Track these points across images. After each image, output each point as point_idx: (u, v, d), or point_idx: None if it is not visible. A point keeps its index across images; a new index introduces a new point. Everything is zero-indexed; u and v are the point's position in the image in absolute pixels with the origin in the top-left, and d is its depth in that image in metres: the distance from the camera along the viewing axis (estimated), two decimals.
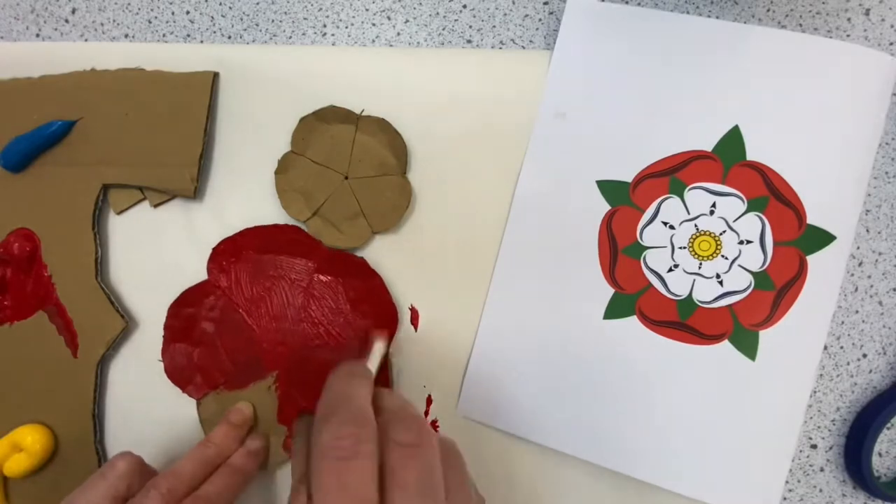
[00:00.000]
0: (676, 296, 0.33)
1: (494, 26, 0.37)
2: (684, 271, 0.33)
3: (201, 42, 0.38)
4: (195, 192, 0.36)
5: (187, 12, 0.39)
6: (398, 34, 0.37)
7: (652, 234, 0.33)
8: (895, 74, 0.32)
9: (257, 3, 0.38)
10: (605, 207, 0.34)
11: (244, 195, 0.36)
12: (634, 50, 0.34)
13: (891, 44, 0.34)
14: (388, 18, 0.37)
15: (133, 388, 0.36)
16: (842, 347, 0.34)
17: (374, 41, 0.37)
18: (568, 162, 0.34)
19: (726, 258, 0.33)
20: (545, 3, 0.36)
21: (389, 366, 0.35)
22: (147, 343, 0.36)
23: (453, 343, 0.35)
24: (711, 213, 0.33)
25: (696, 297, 0.33)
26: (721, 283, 0.33)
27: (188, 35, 0.39)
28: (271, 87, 0.37)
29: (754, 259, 0.32)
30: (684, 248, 0.33)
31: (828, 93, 0.32)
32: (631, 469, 0.33)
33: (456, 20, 0.37)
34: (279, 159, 0.36)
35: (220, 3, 0.38)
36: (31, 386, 0.36)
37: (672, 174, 0.33)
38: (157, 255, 0.37)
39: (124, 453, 0.30)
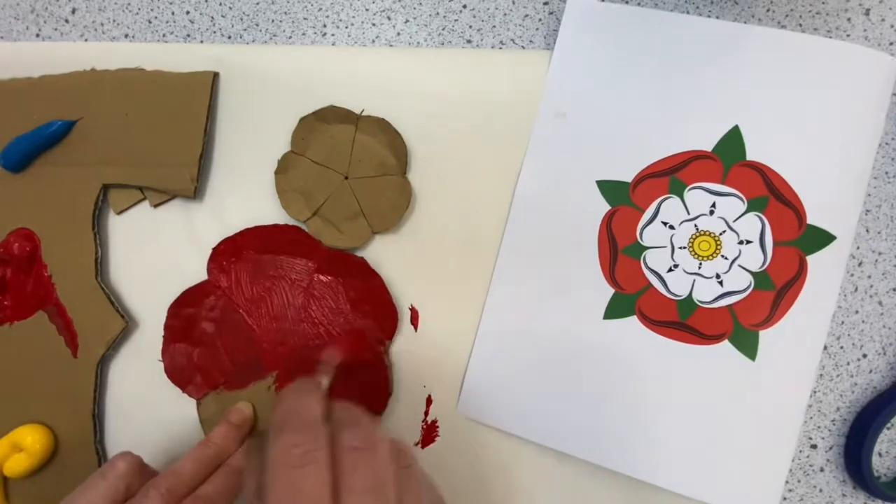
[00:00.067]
0: (676, 296, 0.33)
1: (494, 26, 0.37)
2: (684, 271, 0.33)
3: (201, 42, 0.38)
4: (195, 192, 0.36)
5: (187, 12, 0.39)
6: (398, 34, 0.37)
7: (652, 234, 0.33)
8: (895, 74, 0.32)
9: (257, 3, 0.38)
10: (605, 207, 0.34)
11: (244, 195, 0.36)
12: (634, 50, 0.34)
13: (891, 44, 0.34)
14: (388, 18, 0.37)
15: (133, 388, 0.36)
16: (842, 347, 0.34)
17: (374, 41, 0.37)
18: (568, 162, 0.34)
19: (726, 258, 0.33)
20: (545, 3, 0.36)
21: (389, 366, 0.35)
22: (147, 343, 0.36)
23: (453, 343, 0.35)
24: (711, 213, 0.33)
25: (696, 297, 0.33)
26: (721, 283, 0.33)
27: (188, 35, 0.39)
28: (271, 87, 0.37)
29: (754, 259, 0.32)
30: (684, 248, 0.33)
31: (828, 93, 0.32)
32: (631, 469, 0.33)
33: (456, 20, 0.37)
34: (279, 159, 0.36)
35: (220, 3, 0.38)
36: (31, 386, 0.36)
37: (672, 174, 0.33)
38: (157, 255, 0.37)
39: (124, 453, 0.30)
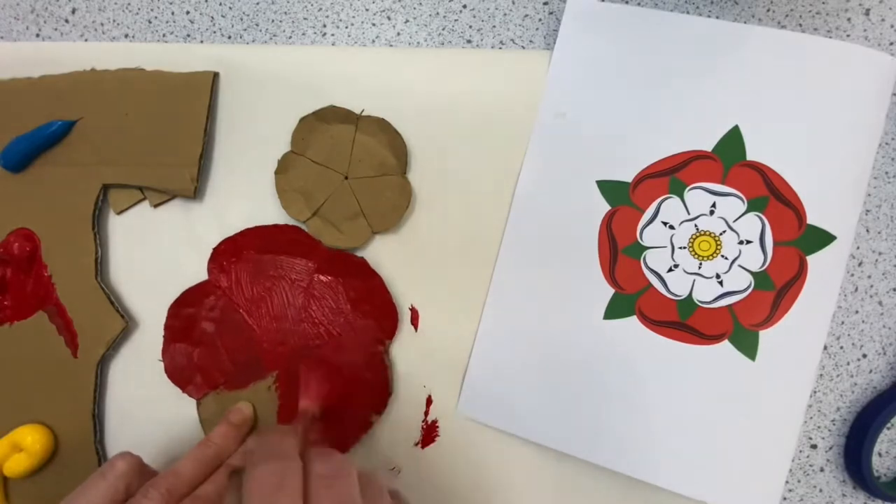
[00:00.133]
0: (676, 296, 0.33)
1: (494, 26, 0.37)
2: (684, 271, 0.33)
3: (201, 42, 0.38)
4: (195, 192, 0.36)
5: (187, 12, 0.39)
6: (398, 34, 0.37)
7: (652, 234, 0.33)
8: (895, 74, 0.32)
9: (257, 3, 0.38)
10: (605, 207, 0.34)
11: (244, 195, 0.36)
12: (634, 50, 0.34)
13: (891, 44, 0.34)
14: (388, 18, 0.37)
15: (133, 388, 0.36)
16: (842, 347, 0.34)
17: (374, 41, 0.37)
18: (568, 162, 0.34)
19: (726, 258, 0.33)
20: (545, 3, 0.36)
21: (390, 366, 0.35)
22: (147, 343, 0.36)
23: (453, 343, 0.35)
24: (711, 213, 0.33)
25: (696, 297, 0.33)
26: (721, 283, 0.33)
27: (188, 35, 0.39)
28: (271, 87, 0.37)
29: (754, 259, 0.32)
30: (684, 248, 0.33)
31: (828, 93, 0.32)
32: (631, 469, 0.33)
33: (456, 20, 0.37)
34: (279, 159, 0.36)
35: (220, 3, 0.38)
36: (31, 386, 0.36)
37: (672, 174, 0.33)
38: (157, 255, 0.37)
39: (124, 453, 0.30)
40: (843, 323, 0.34)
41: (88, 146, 0.36)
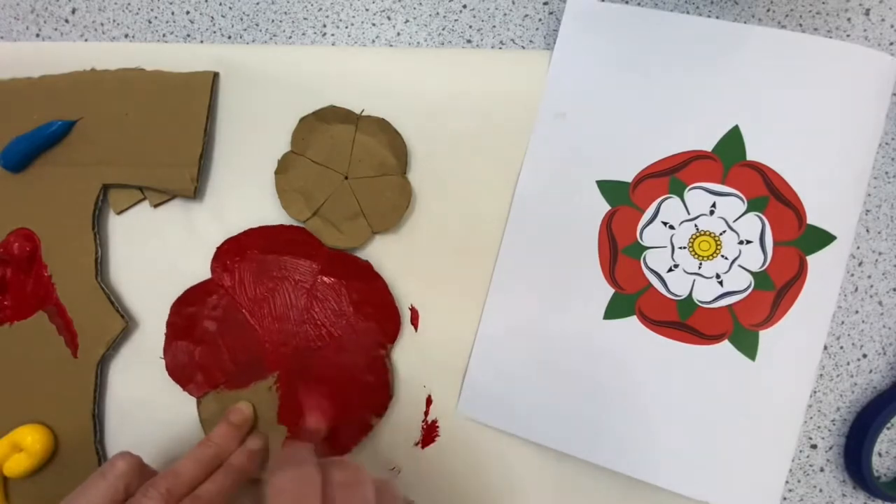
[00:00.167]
0: (676, 296, 0.33)
1: (494, 26, 0.37)
2: (684, 271, 0.33)
3: (201, 42, 0.38)
4: (195, 192, 0.36)
5: (187, 12, 0.39)
6: (398, 34, 0.37)
7: (652, 234, 0.33)
8: (895, 74, 0.32)
9: (257, 3, 0.38)
10: (605, 207, 0.34)
11: (244, 195, 0.36)
12: (634, 50, 0.34)
13: (891, 44, 0.34)
14: (388, 18, 0.37)
15: (133, 388, 0.36)
16: (842, 347, 0.34)
17: (374, 41, 0.37)
18: (568, 162, 0.34)
19: (726, 258, 0.33)
20: (545, 3, 0.36)
21: (391, 369, 0.35)
22: (147, 343, 0.36)
23: (453, 343, 0.35)
24: (711, 213, 0.33)
25: (696, 297, 0.33)
26: (721, 283, 0.33)
27: (188, 35, 0.39)
28: (271, 87, 0.37)
29: (754, 259, 0.32)
30: (684, 248, 0.33)
31: (828, 93, 0.32)
32: (631, 469, 0.33)
33: (456, 20, 0.37)
34: (279, 159, 0.36)
35: (220, 3, 0.38)
36: (31, 386, 0.36)
37: (672, 174, 0.33)
38: (157, 255, 0.37)
39: (124, 453, 0.30)
40: (843, 323, 0.34)
41: (88, 146, 0.36)
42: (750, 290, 0.32)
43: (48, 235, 0.36)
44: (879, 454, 0.34)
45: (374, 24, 0.37)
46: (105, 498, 0.28)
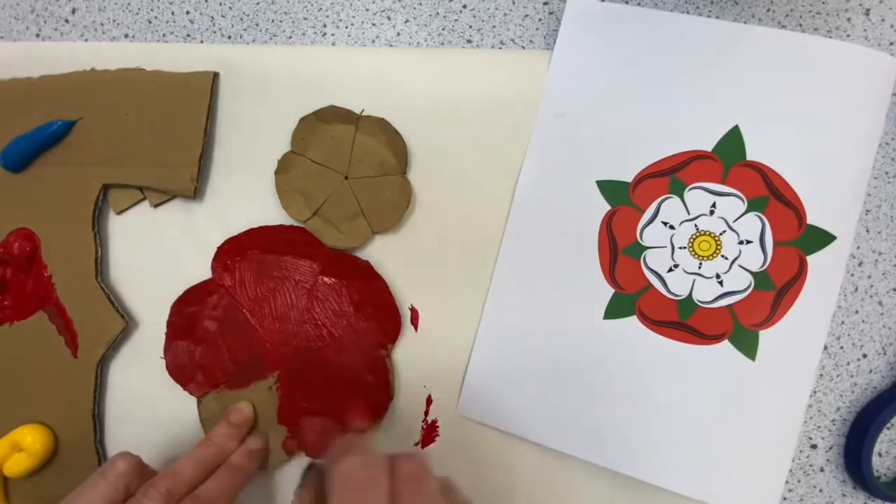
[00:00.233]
0: (676, 296, 0.33)
1: (494, 26, 0.37)
2: (684, 271, 0.33)
3: (201, 42, 0.38)
4: (195, 192, 0.36)
5: (187, 12, 0.39)
6: (398, 34, 0.37)
7: (652, 234, 0.33)
8: (895, 74, 0.32)
9: (257, 3, 0.38)
10: (605, 207, 0.34)
11: (244, 195, 0.36)
12: (634, 50, 0.34)
13: (891, 44, 0.34)
14: (388, 18, 0.37)
15: (133, 387, 0.36)
16: (842, 347, 0.34)
17: (374, 41, 0.37)
18: (568, 162, 0.34)
19: (726, 258, 0.33)
20: (545, 3, 0.36)
21: (390, 366, 0.35)
22: (147, 343, 0.36)
23: (453, 343, 0.35)
24: (711, 213, 0.33)
25: (696, 297, 0.33)
26: (721, 283, 0.33)
27: (188, 35, 0.39)
28: (271, 87, 0.37)
29: (754, 259, 0.32)
30: (684, 248, 0.33)
31: (828, 93, 0.32)
32: (631, 469, 0.33)
33: (456, 20, 0.37)
34: (279, 159, 0.36)
35: (220, 3, 0.38)
36: (31, 386, 0.36)
37: (672, 174, 0.33)
38: (157, 255, 0.37)
39: (123, 453, 0.30)
40: (843, 323, 0.34)
41: (88, 146, 0.36)
42: (750, 290, 0.32)
43: (48, 235, 0.36)
44: (879, 454, 0.34)
45: (374, 24, 0.37)
46: (105, 498, 0.28)
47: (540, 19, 0.36)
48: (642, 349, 0.33)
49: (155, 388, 0.36)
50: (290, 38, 0.38)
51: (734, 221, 0.33)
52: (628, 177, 0.34)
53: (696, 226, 0.33)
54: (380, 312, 0.35)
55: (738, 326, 0.32)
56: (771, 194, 0.32)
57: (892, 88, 0.32)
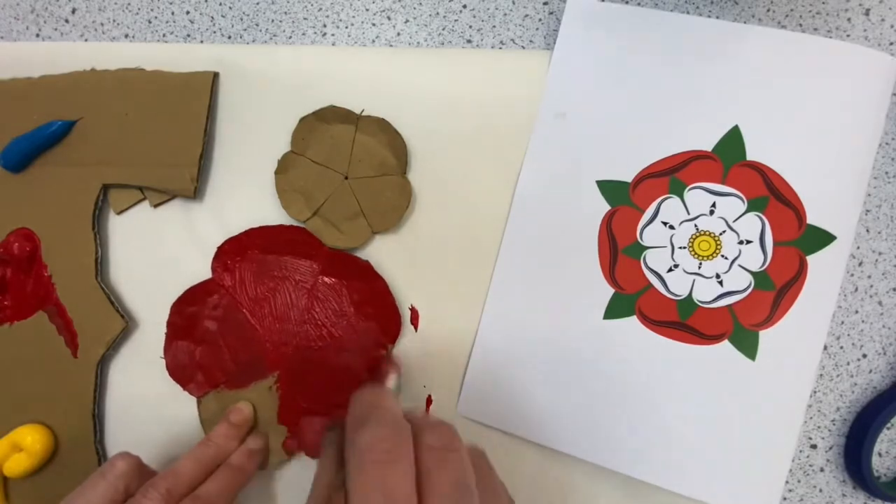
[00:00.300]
0: (676, 296, 0.33)
1: (494, 26, 0.37)
2: (684, 271, 0.33)
3: (201, 42, 0.38)
4: (195, 192, 0.36)
5: (187, 12, 0.39)
6: (398, 34, 0.37)
7: (652, 234, 0.33)
8: (895, 74, 0.32)
9: (257, 3, 0.38)
10: (605, 207, 0.34)
11: (244, 195, 0.36)
12: (634, 50, 0.34)
13: (891, 44, 0.34)
14: (388, 18, 0.37)
15: (133, 387, 0.36)
16: (842, 347, 0.34)
17: (374, 41, 0.37)
18: (568, 162, 0.34)
19: (726, 258, 0.33)
20: (545, 3, 0.36)
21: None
22: (147, 343, 0.36)
23: (453, 343, 0.35)
24: (711, 213, 0.33)
25: (696, 297, 0.33)
26: (721, 283, 0.33)
27: (188, 35, 0.39)
28: (271, 87, 0.37)
29: (754, 259, 0.32)
30: (684, 248, 0.33)
31: (827, 93, 0.32)
32: (631, 469, 0.33)
33: (456, 20, 0.37)
34: (279, 159, 0.36)
35: (220, 3, 0.38)
36: (31, 386, 0.36)
37: (672, 174, 0.33)
38: (157, 255, 0.37)
39: (123, 453, 0.30)
40: (843, 323, 0.34)
41: (88, 146, 0.36)
42: (750, 290, 0.32)
43: (48, 235, 0.36)
44: (879, 454, 0.34)
45: (374, 24, 0.37)
46: (105, 498, 0.28)
47: (540, 19, 0.36)
48: (642, 349, 0.33)
49: (155, 388, 0.36)
50: (290, 38, 0.38)
51: (734, 221, 0.33)
52: (628, 177, 0.34)
53: (695, 226, 0.33)
54: (380, 312, 0.35)
55: (738, 326, 0.32)
56: (771, 194, 0.32)
57: (892, 88, 0.32)
